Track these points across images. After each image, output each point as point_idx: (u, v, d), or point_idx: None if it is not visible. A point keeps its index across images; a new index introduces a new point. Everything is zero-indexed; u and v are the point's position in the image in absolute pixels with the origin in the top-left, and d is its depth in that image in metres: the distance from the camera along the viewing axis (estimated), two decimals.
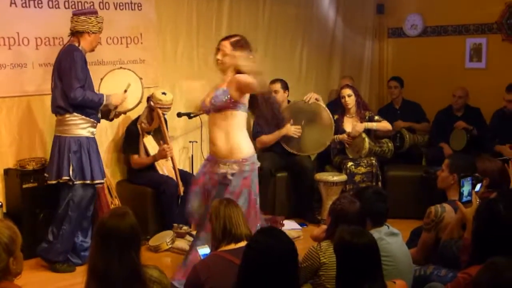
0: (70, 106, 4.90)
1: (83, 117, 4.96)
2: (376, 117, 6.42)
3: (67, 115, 4.93)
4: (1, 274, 2.56)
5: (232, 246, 3.30)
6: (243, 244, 3.19)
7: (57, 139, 4.99)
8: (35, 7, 5.38)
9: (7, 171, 5.32)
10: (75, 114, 4.93)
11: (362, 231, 2.91)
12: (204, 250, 3.66)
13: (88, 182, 4.98)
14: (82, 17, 4.94)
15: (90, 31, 4.97)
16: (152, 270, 2.77)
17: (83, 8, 5.35)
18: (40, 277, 4.89)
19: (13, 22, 5.26)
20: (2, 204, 5.13)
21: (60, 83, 4.91)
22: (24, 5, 5.33)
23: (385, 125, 6.42)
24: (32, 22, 5.34)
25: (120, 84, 5.24)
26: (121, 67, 5.57)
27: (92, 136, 5.06)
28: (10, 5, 5.27)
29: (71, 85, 4.84)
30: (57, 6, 5.49)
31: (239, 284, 2.63)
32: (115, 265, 2.62)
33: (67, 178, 4.92)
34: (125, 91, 5.23)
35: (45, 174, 5.09)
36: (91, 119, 5.01)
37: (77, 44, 4.96)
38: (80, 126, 4.96)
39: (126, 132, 5.91)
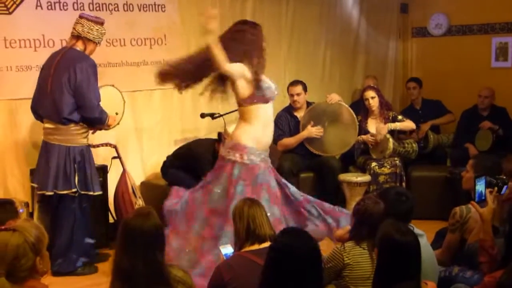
0: (78, 118, 4.83)
1: (85, 125, 4.93)
2: (400, 117, 6.39)
3: (72, 125, 4.85)
4: (28, 272, 2.60)
5: (256, 246, 3.28)
6: (266, 244, 3.17)
7: (54, 148, 4.83)
8: (60, 9, 5.45)
9: None
10: (81, 124, 4.89)
11: (408, 229, 2.89)
12: (227, 250, 3.66)
13: (90, 193, 4.98)
14: (97, 26, 4.86)
15: (98, 42, 4.93)
16: (177, 270, 2.79)
17: (95, 16, 5.09)
18: (65, 278, 4.90)
19: (39, 24, 5.33)
20: (28, 204, 5.13)
21: (69, 92, 4.76)
22: (49, 7, 5.40)
23: (408, 124, 6.38)
24: (58, 24, 5.40)
25: (107, 102, 5.10)
26: (112, 85, 5.40)
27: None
28: (36, 8, 5.34)
29: (92, 103, 4.83)
30: (82, 8, 5.54)
31: (262, 285, 2.63)
32: (139, 265, 2.63)
33: (74, 190, 4.86)
34: (116, 113, 5.23)
35: (34, 184, 4.96)
36: (88, 127, 5.00)
37: (83, 50, 4.87)
38: (82, 135, 4.93)
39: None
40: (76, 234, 4.97)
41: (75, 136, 4.88)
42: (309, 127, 6.13)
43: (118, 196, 5.50)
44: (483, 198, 3.69)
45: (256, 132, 4.61)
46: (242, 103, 4.59)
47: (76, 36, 4.86)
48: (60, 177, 4.83)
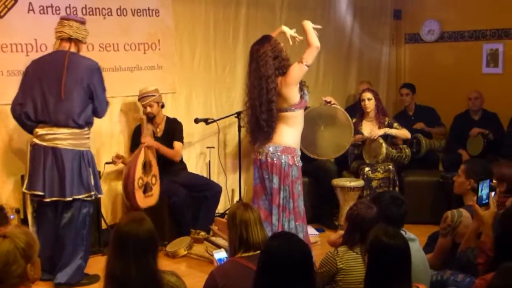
0: (91, 121, 4.88)
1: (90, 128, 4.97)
2: (395, 124, 6.41)
3: (86, 129, 4.86)
4: (19, 280, 2.56)
5: (251, 253, 3.26)
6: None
7: (67, 153, 4.75)
8: (52, 13, 5.41)
9: None
10: (89, 127, 4.92)
11: (397, 232, 2.91)
12: (220, 255, 3.67)
13: (99, 196, 4.99)
14: (83, 26, 4.87)
15: (86, 42, 4.95)
16: (170, 276, 2.78)
17: (80, 16, 5.12)
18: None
19: (31, 29, 5.31)
20: (19, 210, 5.09)
21: (87, 96, 4.78)
22: (42, 11, 5.38)
23: (404, 133, 6.42)
24: (50, 28, 5.34)
25: None
26: None
27: None
28: (28, 12, 5.32)
29: (106, 105, 4.95)
30: (75, 12, 5.53)
31: None
32: (132, 271, 2.62)
33: (93, 193, 4.86)
34: None
35: (40, 192, 4.77)
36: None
37: (77, 51, 4.87)
38: (89, 139, 4.94)
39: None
40: (87, 240, 4.94)
41: (86, 140, 4.88)
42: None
43: (127, 170, 5.56)
44: (486, 201, 3.69)
45: (299, 136, 4.75)
46: (293, 108, 4.63)
47: (68, 39, 4.82)
48: (76, 182, 4.77)
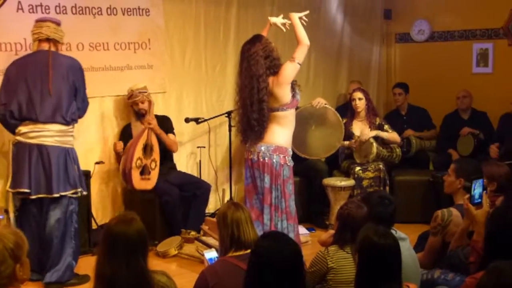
0: (75, 119, 4.89)
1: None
2: (386, 126, 6.42)
3: (71, 126, 4.87)
4: (7, 280, 2.54)
5: (241, 252, 3.26)
6: None
7: (54, 150, 4.75)
8: (42, 12, 5.37)
9: None
10: (73, 124, 4.92)
11: (387, 231, 2.91)
12: (210, 254, 3.65)
13: (84, 193, 4.98)
14: (60, 28, 4.90)
15: (63, 43, 4.99)
16: (160, 276, 2.77)
17: (55, 18, 5.07)
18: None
19: (20, 28, 5.26)
20: (8, 210, 5.02)
21: (72, 94, 4.82)
22: (31, 10, 5.34)
23: (395, 137, 6.43)
24: None
25: None
26: None
27: None
28: (17, 11, 5.28)
29: (86, 104, 4.99)
30: (64, 11, 5.51)
31: None
32: (122, 271, 2.61)
33: (80, 189, 4.87)
34: None
35: (25, 190, 4.72)
36: None
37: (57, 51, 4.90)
38: (73, 137, 4.94)
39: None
40: (75, 238, 4.93)
41: (71, 137, 4.88)
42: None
43: (127, 148, 5.64)
44: (479, 200, 3.69)
45: (290, 136, 4.77)
46: (284, 107, 4.64)
47: (46, 39, 4.84)
48: (63, 179, 4.77)
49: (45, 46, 4.83)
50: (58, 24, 4.92)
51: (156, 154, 5.73)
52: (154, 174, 5.70)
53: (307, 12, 4.79)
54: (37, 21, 4.90)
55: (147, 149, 5.64)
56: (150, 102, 5.79)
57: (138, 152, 5.57)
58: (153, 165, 5.68)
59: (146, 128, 5.69)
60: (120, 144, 5.77)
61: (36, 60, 4.82)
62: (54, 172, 4.73)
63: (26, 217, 4.87)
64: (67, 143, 4.84)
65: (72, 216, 4.88)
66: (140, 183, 5.62)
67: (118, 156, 5.80)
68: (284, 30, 4.81)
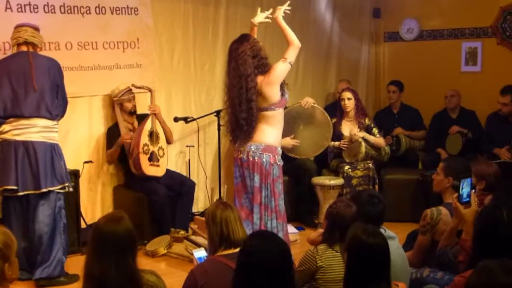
0: (58, 115, 4.91)
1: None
2: (374, 130, 6.43)
3: (56, 122, 4.88)
4: None
5: (231, 250, 3.26)
6: None
7: (40, 146, 4.75)
8: (31, 11, 5.36)
9: None
10: (58, 120, 4.93)
11: (376, 230, 2.91)
12: (199, 254, 3.65)
13: (71, 189, 4.98)
14: (37, 33, 4.94)
15: (41, 47, 4.99)
16: (149, 275, 2.77)
17: (33, 24, 5.05)
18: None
19: (8, 27, 5.21)
20: None
21: (55, 91, 4.85)
22: (19, 10, 5.32)
23: (380, 142, 6.44)
24: None
25: None
26: None
27: None
28: (5, 10, 5.26)
29: (66, 104, 5.00)
30: (53, 11, 5.50)
31: None
32: (111, 270, 2.60)
33: (67, 184, 4.88)
34: None
35: (13, 187, 4.71)
36: None
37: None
38: (57, 132, 4.94)
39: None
40: (64, 233, 4.93)
41: (55, 133, 4.88)
42: (287, 138, 6.06)
43: (134, 136, 5.70)
44: (467, 199, 3.70)
45: (279, 135, 4.77)
46: (273, 107, 4.63)
47: (24, 43, 4.86)
48: (50, 174, 4.77)
49: (24, 48, 4.87)
50: (36, 29, 4.94)
51: (163, 142, 5.85)
52: (163, 162, 5.81)
53: (288, 2, 4.78)
54: (16, 27, 4.93)
55: (153, 136, 5.75)
56: (151, 90, 5.87)
57: (144, 138, 5.67)
58: (161, 152, 5.79)
59: (150, 115, 5.79)
60: (129, 134, 5.77)
61: (17, 60, 4.84)
62: (41, 168, 4.73)
63: (10, 214, 4.85)
64: (53, 139, 4.85)
65: (61, 211, 4.90)
66: (149, 168, 5.69)
67: (128, 146, 5.74)
68: (270, 21, 4.81)
